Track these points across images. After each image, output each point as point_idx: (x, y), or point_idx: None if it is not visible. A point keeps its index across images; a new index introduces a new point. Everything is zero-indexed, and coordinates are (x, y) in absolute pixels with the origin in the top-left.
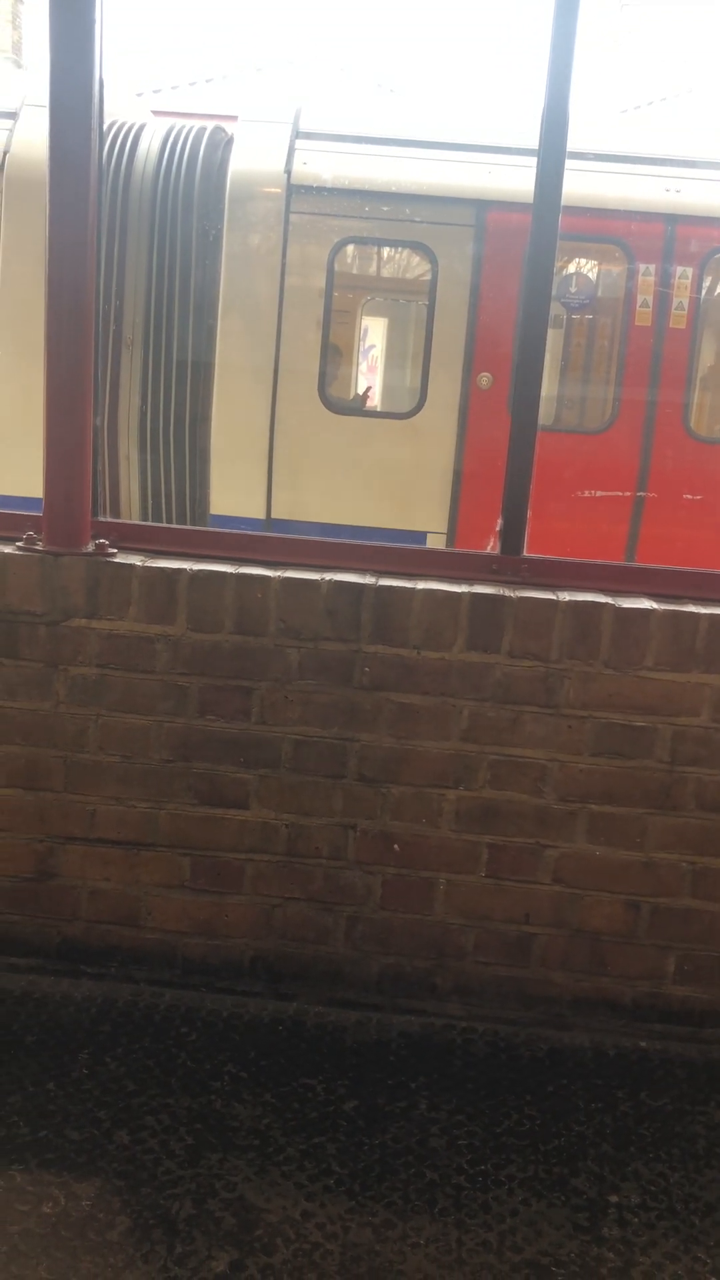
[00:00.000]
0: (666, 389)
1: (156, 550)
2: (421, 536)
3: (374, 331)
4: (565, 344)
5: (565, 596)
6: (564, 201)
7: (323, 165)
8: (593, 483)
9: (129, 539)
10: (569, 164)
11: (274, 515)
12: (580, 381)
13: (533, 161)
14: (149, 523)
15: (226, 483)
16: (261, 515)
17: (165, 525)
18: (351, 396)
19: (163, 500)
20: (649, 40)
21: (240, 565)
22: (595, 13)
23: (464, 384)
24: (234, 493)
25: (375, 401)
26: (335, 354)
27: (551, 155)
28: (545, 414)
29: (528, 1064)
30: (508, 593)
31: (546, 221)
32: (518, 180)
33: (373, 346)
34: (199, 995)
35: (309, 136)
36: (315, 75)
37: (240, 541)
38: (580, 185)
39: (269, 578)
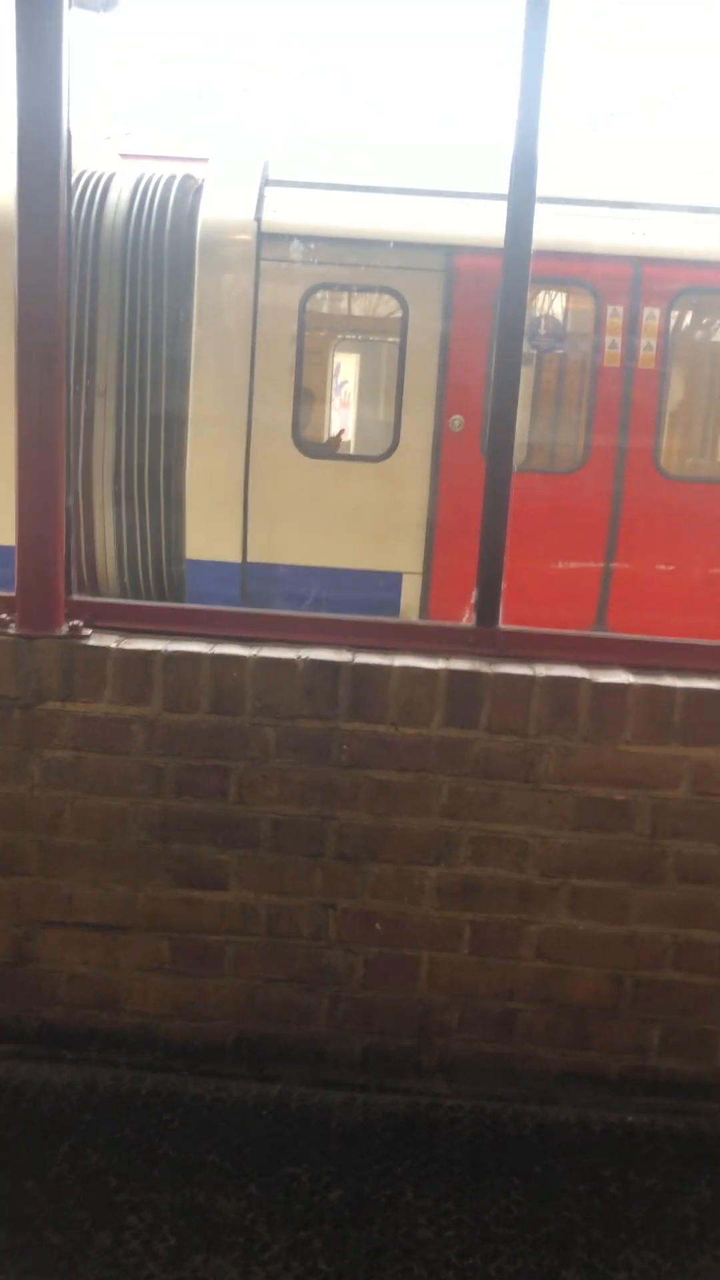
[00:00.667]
0: (636, 428)
1: (131, 629)
2: (397, 577)
3: (345, 374)
4: (535, 384)
5: (542, 671)
6: (534, 246)
7: (292, 212)
8: (566, 521)
9: (103, 617)
10: (538, 208)
11: (250, 559)
12: (551, 422)
13: (502, 205)
14: (123, 600)
15: (202, 528)
16: (238, 559)
17: (140, 603)
18: (325, 440)
19: (138, 546)
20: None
21: (215, 644)
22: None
23: (436, 426)
24: (210, 537)
25: (349, 444)
26: (308, 399)
27: (521, 202)
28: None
29: (514, 1143)
30: (484, 668)
31: (517, 275)
32: (486, 224)
33: (345, 382)
34: (181, 1079)
35: (278, 184)
36: (294, 88)
37: (215, 618)
38: (549, 229)
39: (244, 657)
